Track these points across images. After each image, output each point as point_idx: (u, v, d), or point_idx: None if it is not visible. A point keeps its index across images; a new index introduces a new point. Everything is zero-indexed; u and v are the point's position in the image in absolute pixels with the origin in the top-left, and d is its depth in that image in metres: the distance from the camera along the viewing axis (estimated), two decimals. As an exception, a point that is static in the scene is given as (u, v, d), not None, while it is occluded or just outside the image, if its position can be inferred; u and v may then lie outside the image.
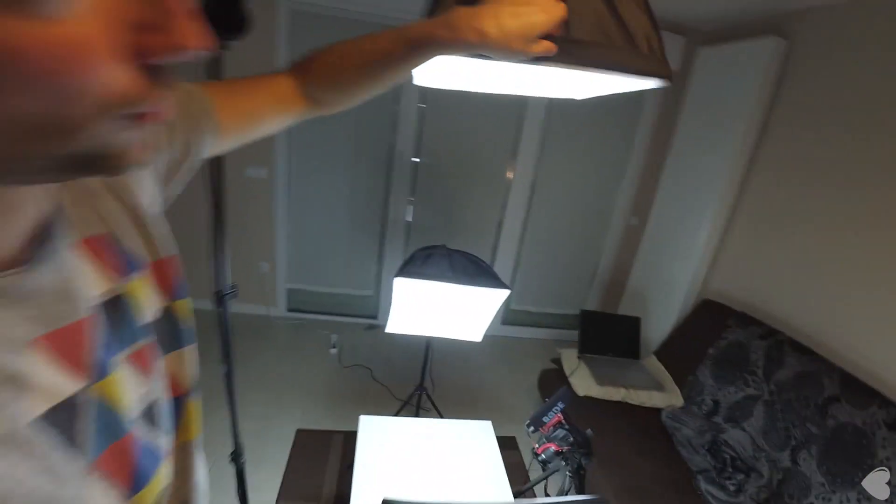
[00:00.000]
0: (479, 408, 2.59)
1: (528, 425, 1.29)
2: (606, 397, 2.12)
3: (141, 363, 0.37)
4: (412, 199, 3.11)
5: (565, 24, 0.50)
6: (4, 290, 0.26)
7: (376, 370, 2.77)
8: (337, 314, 3.29)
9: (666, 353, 2.40)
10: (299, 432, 2.23)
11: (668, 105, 2.98)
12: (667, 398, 2.14)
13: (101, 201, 0.37)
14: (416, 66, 0.54)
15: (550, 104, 2.90)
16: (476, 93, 0.75)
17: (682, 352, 2.31)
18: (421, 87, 0.99)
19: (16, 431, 0.25)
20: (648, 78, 0.58)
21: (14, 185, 0.24)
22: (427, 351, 2.17)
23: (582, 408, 2.06)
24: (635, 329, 2.51)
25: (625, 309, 3.08)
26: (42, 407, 0.27)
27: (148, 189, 0.43)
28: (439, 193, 3.14)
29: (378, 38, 0.54)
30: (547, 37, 0.49)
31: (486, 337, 3.27)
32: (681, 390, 2.17)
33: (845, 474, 1.51)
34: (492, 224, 3.26)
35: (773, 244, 2.20)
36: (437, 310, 1.87)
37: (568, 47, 0.51)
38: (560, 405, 1.25)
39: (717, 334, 2.14)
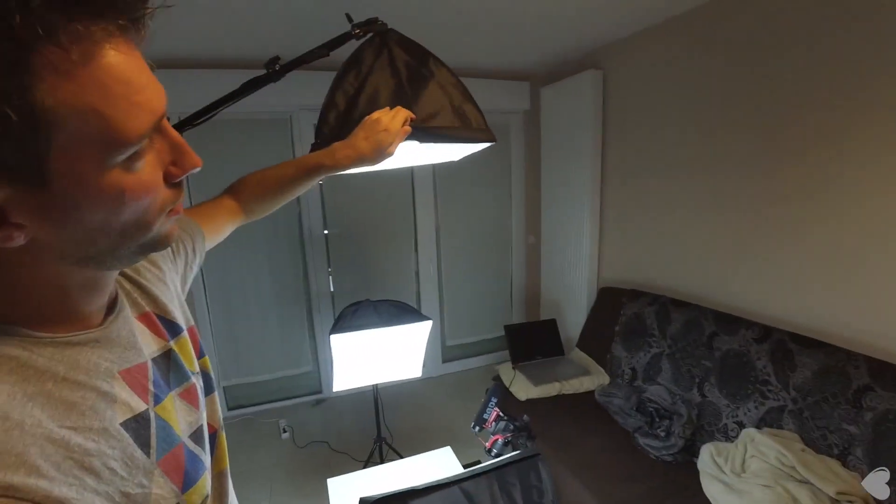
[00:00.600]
0: (439, 443, 2.68)
1: (473, 426, 1.46)
2: (545, 395, 2.34)
3: (189, 398, 0.53)
4: (330, 269, 3.26)
5: (424, 118, 0.82)
6: (99, 339, 0.43)
7: (333, 441, 2.78)
8: (281, 399, 3.26)
9: (585, 342, 2.71)
10: (270, 522, 2.20)
11: (528, 138, 3.51)
12: (595, 380, 2.41)
13: (156, 287, 0.56)
14: (314, 183, 0.84)
15: (432, 156, 3.27)
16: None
17: (596, 337, 2.62)
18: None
19: (110, 427, 0.40)
20: (480, 142, 0.89)
21: (116, 269, 0.42)
22: (376, 400, 2.27)
23: (526, 410, 2.25)
24: (554, 329, 2.80)
25: (546, 316, 3.39)
26: (125, 416, 0.41)
27: (177, 282, 0.64)
28: (354, 258, 3.32)
29: (286, 166, 0.83)
30: (422, 128, 0.81)
31: (431, 377, 3.44)
32: (605, 369, 2.46)
33: (739, 391, 1.83)
34: (409, 274, 3.48)
35: (636, 229, 2.64)
36: (375, 357, 2.01)
37: (426, 131, 0.83)
38: (493, 400, 1.43)
39: (617, 313, 2.48)
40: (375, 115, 0.80)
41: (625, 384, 2.30)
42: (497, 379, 2.64)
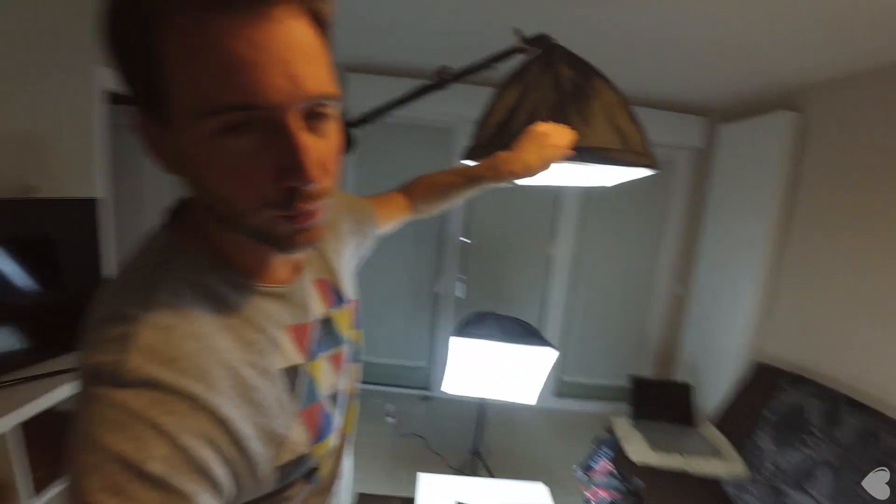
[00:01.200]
0: (533, 476, 2.56)
1: (578, 470, 1.36)
2: (662, 464, 2.09)
3: (335, 363, 0.59)
4: (461, 275, 3.35)
5: (583, 137, 0.78)
6: (283, 294, 0.50)
7: (431, 440, 2.84)
8: (391, 385, 3.43)
9: (722, 419, 2.36)
10: (360, 496, 2.31)
11: (696, 177, 3.20)
12: (726, 465, 2.09)
13: (334, 259, 0.63)
14: (475, 193, 0.88)
15: (587, 184, 3.17)
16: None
17: (738, 417, 2.27)
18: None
19: (272, 369, 0.46)
20: (640, 167, 0.83)
21: (245, 236, 0.44)
22: (480, 414, 2.26)
23: (638, 474, 2.05)
24: (687, 395, 2.50)
25: (679, 378, 3.06)
26: (283, 363, 0.48)
27: (351, 257, 0.71)
28: (486, 270, 3.37)
29: (451, 174, 0.88)
30: (578, 148, 0.77)
31: (539, 408, 3.33)
32: (741, 457, 2.12)
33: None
34: (537, 297, 3.41)
35: (819, 302, 2.23)
36: (490, 371, 2.00)
37: (585, 151, 0.79)
38: (606, 451, 1.32)
39: (771, 396, 2.12)
40: (542, 127, 0.77)
41: (764, 482, 1.96)
42: (609, 430, 2.44)
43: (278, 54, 0.35)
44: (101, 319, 0.39)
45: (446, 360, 1.96)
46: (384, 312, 3.38)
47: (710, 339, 2.85)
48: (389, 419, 2.99)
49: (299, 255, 0.54)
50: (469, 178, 0.85)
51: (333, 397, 0.57)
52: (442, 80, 0.96)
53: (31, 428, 1.36)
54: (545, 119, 0.80)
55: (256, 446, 0.42)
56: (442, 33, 2.17)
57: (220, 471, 0.38)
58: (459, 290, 3.34)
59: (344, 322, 0.62)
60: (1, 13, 1.53)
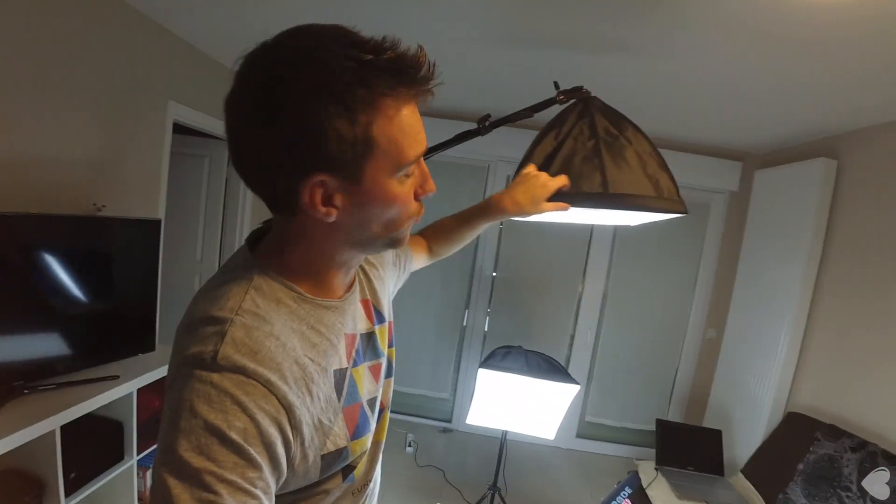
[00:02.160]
0: (554, 519, 2.53)
1: (599, 508, 1.35)
2: (688, 512, 2.03)
3: (374, 373, 0.67)
4: (489, 309, 3.38)
5: (607, 182, 0.85)
6: (338, 307, 0.59)
7: (449, 472, 2.82)
8: (413, 415, 3.44)
9: (753, 469, 2.28)
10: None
11: (731, 221, 3.19)
12: (757, 518, 2.01)
13: (377, 284, 0.73)
14: (481, 229, 0.98)
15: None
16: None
17: (770, 469, 2.19)
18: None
19: (329, 369, 0.55)
20: (669, 213, 0.88)
21: (369, 253, 0.58)
22: (502, 448, 2.25)
23: (662, 520, 1.99)
24: (717, 443, 2.43)
25: (710, 424, 2.96)
26: (337, 365, 0.57)
27: (390, 285, 0.81)
28: (514, 305, 3.40)
29: (452, 217, 1.00)
30: (611, 194, 0.85)
31: (560, 449, 3.28)
32: (772, 511, 2.04)
33: None
34: (564, 335, 3.40)
35: (855, 351, 2.17)
36: (514, 404, 2.02)
37: (616, 198, 0.83)
38: (628, 490, 1.30)
39: (805, 447, 2.05)
40: (535, 171, 0.89)
41: (797, 538, 1.87)
42: (634, 474, 2.38)
43: (420, 117, 0.52)
44: (200, 320, 0.49)
45: (469, 393, 1.99)
46: (412, 342, 3.42)
47: (742, 386, 2.77)
48: (409, 449, 2.98)
49: (351, 277, 0.64)
50: (467, 220, 0.95)
51: (370, 403, 0.64)
52: (484, 127, 1.04)
53: (67, 432, 1.41)
54: (579, 165, 0.86)
55: (309, 432, 0.50)
56: (481, 84, 2.30)
57: (280, 450, 0.46)
58: (485, 323, 3.37)
59: (383, 339, 0.71)
60: (89, 54, 1.73)
